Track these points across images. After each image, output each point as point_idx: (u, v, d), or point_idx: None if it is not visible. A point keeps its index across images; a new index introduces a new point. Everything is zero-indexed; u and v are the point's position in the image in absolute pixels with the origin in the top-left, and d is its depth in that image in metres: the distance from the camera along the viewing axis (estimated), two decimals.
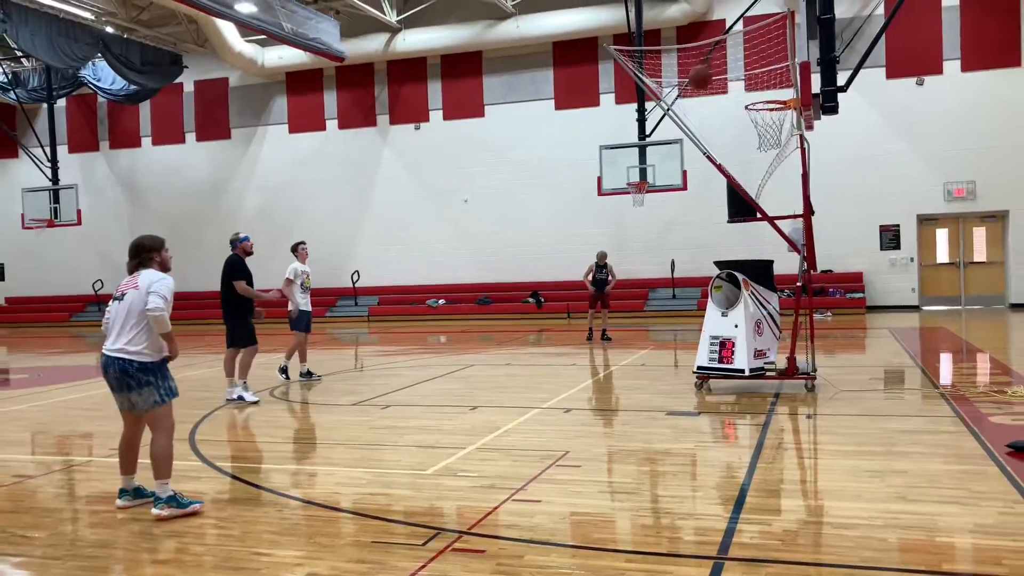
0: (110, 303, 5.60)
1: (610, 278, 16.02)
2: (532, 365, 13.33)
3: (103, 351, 5.50)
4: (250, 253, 10.34)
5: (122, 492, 5.63)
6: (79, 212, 25.06)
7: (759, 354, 9.35)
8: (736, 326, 9.30)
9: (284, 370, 11.57)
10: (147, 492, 5.61)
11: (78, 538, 5.06)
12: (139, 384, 5.42)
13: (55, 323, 27.64)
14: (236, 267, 10.09)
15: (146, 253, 5.63)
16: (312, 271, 11.88)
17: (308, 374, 11.71)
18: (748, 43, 12.04)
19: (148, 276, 5.52)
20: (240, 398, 9.93)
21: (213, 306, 24.02)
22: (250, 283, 10.22)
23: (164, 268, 5.69)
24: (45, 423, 9.24)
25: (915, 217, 21.79)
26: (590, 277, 16.03)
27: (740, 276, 9.41)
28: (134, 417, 5.60)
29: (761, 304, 9.42)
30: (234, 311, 10.18)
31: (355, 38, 24.50)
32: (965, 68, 21.13)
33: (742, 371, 9.21)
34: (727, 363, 9.31)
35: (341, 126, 26.39)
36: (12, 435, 8.61)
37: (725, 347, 9.34)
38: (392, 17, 23.92)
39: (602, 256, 16.10)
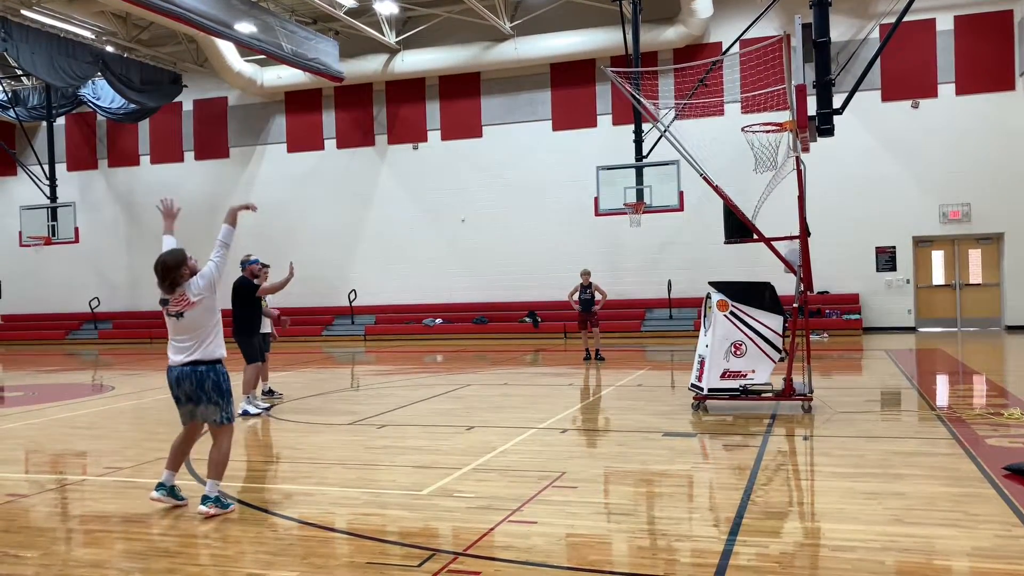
0: (167, 320, 5.88)
1: (597, 296, 15.96)
2: (529, 385, 13.31)
3: (173, 365, 5.83)
4: (256, 276, 10.73)
5: (159, 486, 5.91)
6: (77, 230, 25.08)
7: (732, 375, 9.36)
8: (707, 346, 9.49)
9: (269, 392, 11.79)
10: (180, 496, 5.94)
11: (71, 558, 5.03)
12: (208, 400, 5.82)
13: (51, 341, 27.57)
14: (247, 287, 10.59)
15: (175, 272, 5.88)
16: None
17: (271, 392, 11.93)
18: (744, 65, 12.13)
19: (193, 284, 5.85)
20: (245, 413, 10.18)
21: None
22: (257, 304, 10.73)
23: (194, 274, 5.97)
24: (39, 441, 9.20)
25: (911, 239, 21.87)
26: (575, 297, 16.02)
27: (717, 296, 9.49)
28: (194, 425, 6.02)
29: (747, 325, 9.40)
30: (240, 330, 10.58)
31: (354, 58, 24.64)
32: (960, 91, 21.29)
33: (701, 389, 9.43)
34: (699, 381, 9.56)
35: (339, 146, 26.48)
36: (6, 453, 8.57)
37: (702, 365, 9.53)
38: (391, 38, 24.07)
39: (586, 275, 16.03)
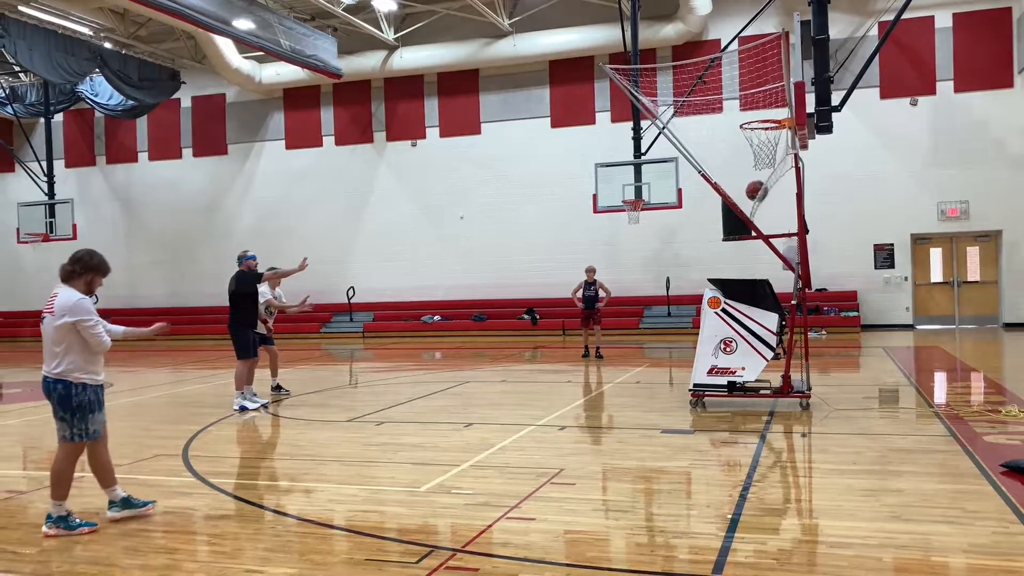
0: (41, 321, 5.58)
1: (601, 294, 15.90)
2: (527, 382, 13.31)
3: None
4: (253, 271, 10.70)
5: (110, 504, 5.65)
6: (75, 227, 25.04)
7: (719, 371, 9.43)
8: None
9: (277, 388, 11.80)
10: (140, 503, 5.70)
11: (69, 554, 5.03)
12: (54, 412, 5.46)
13: None
14: (251, 277, 10.58)
15: (82, 268, 5.53)
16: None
17: (278, 388, 11.92)
18: (743, 63, 12.14)
19: (62, 300, 5.41)
20: (243, 408, 10.23)
21: (207, 320, 23.80)
22: (255, 298, 10.64)
23: (89, 291, 5.55)
24: (38, 438, 9.19)
25: (909, 236, 21.87)
26: (579, 294, 15.93)
27: (709, 294, 9.61)
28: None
29: (739, 322, 9.44)
30: (239, 323, 10.61)
31: (352, 55, 24.61)
32: (958, 89, 21.29)
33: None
34: None
35: (338, 142, 26.46)
36: (4, 450, 8.57)
37: None
38: (389, 35, 24.04)
39: (591, 271, 15.96)
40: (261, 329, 11.28)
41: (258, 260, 10.96)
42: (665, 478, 6.55)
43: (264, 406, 10.60)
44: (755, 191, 9.69)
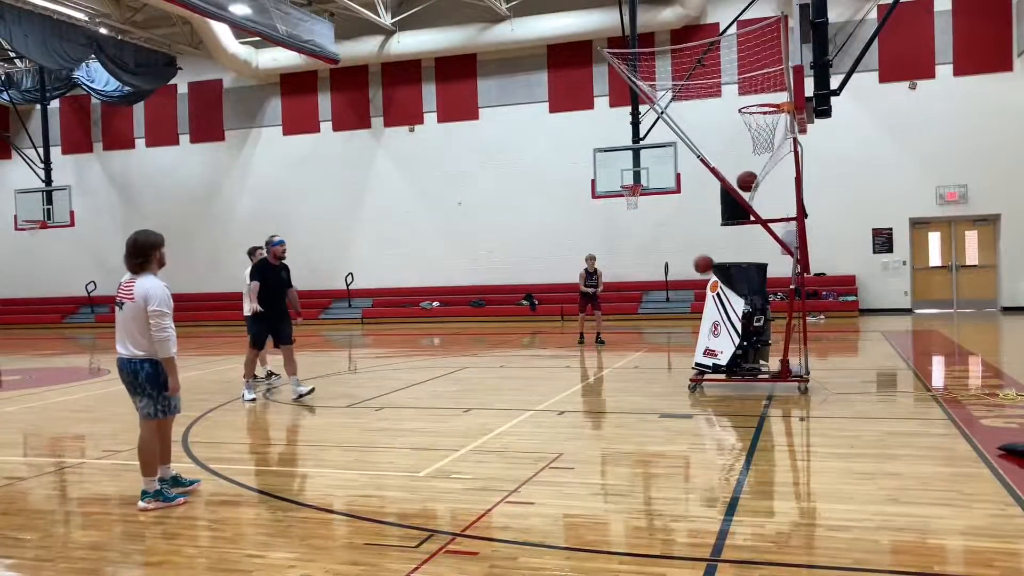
0: (117, 308, 5.75)
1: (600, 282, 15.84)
2: (526, 367, 13.33)
3: (117, 354, 5.74)
4: (281, 257, 10.33)
5: (160, 480, 5.75)
6: (72, 214, 24.99)
7: (709, 353, 9.71)
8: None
9: (269, 374, 11.77)
10: (186, 481, 5.93)
11: (70, 540, 5.05)
12: (141, 391, 5.68)
13: (48, 324, 27.54)
14: (253, 270, 10.32)
15: (142, 255, 5.68)
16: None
17: (270, 375, 11.88)
18: (742, 46, 12.09)
19: (142, 287, 5.60)
20: (243, 397, 10.18)
21: (205, 307, 23.79)
22: (271, 287, 10.22)
23: (161, 264, 5.81)
24: (37, 425, 9.21)
25: (907, 220, 21.87)
26: (586, 283, 15.71)
27: (713, 277, 9.79)
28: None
29: (723, 306, 9.53)
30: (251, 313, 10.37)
31: (349, 40, 24.48)
32: (957, 72, 21.22)
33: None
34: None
35: (335, 128, 26.37)
36: (4, 437, 8.58)
37: None
38: (386, 19, 23.92)
39: (591, 259, 15.74)
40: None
41: (286, 245, 10.44)
42: (663, 462, 6.57)
43: (266, 390, 10.60)
44: (749, 183, 9.65)
